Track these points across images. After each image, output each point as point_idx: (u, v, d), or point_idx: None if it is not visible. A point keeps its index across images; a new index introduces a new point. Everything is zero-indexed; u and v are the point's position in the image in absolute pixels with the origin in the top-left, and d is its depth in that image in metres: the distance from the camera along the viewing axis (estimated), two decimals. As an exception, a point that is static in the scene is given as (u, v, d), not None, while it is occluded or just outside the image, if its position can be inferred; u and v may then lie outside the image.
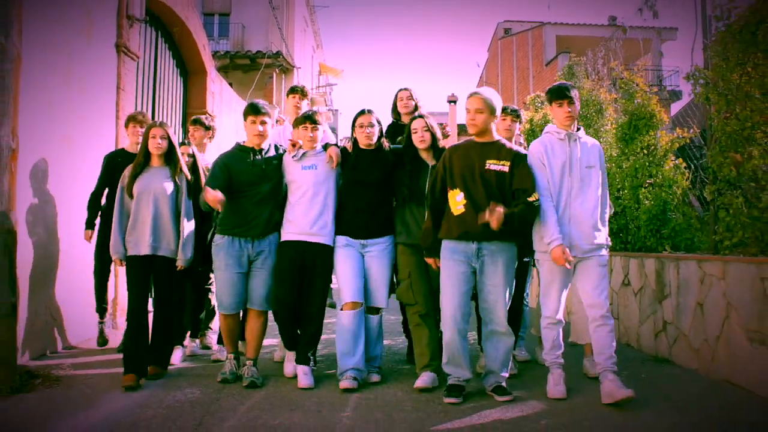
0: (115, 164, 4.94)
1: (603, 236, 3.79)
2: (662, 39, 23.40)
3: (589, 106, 6.81)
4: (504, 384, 3.80)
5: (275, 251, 4.17)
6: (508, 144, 3.90)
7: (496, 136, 3.89)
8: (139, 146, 4.37)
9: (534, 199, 3.65)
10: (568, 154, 3.77)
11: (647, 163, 5.55)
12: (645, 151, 5.65)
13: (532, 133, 7.39)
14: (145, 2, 6.90)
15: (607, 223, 3.86)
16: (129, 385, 3.87)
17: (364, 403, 3.62)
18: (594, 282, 3.70)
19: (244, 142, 4.30)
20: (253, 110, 4.18)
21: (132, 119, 5.18)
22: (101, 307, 5.20)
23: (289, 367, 4.30)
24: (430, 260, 3.93)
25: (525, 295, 4.70)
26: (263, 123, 4.17)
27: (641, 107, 5.61)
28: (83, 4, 5.52)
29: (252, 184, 4.13)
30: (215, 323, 5.22)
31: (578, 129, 3.88)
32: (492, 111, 3.77)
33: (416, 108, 4.82)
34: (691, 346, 4.51)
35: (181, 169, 4.35)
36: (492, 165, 3.75)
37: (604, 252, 3.78)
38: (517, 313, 4.40)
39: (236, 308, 4.17)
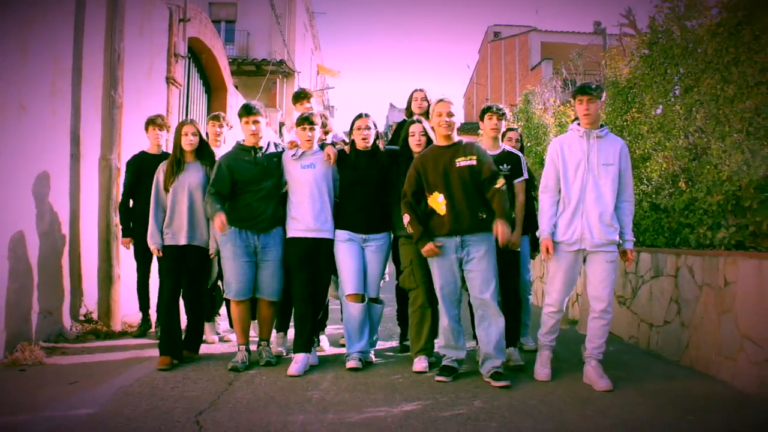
0: (140, 167, 5.29)
1: (615, 233, 3.88)
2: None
3: (539, 128, 8.62)
4: (501, 369, 3.91)
5: (280, 243, 4.39)
6: (468, 141, 4.23)
7: (456, 137, 4.12)
8: (173, 144, 4.58)
9: (500, 185, 3.94)
10: (585, 151, 3.89)
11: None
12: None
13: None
14: (187, 42, 8.64)
15: (628, 223, 3.93)
16: (163, 368, 4.24)
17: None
18: (599, 276, 3.88)
19: (243, 141, 4.46)
20: (246, 111, 4.36)
21: (151, 122, 5.50)
22: (144, 306, 5.60)
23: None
24: (427, 247, 3.97)
25: (528, 285, 5.05)
26: (256, 122, 4.33)
27: (569, 135, 7.41)
28: (149, 50, 7.26)
29: (255, 182, 4.31)
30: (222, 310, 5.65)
31: (601, 127, 3.98)
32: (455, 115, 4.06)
33: (429, 109, 4.75)
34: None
35: (213, 163, 4.55)
36: (462, 162, 3.97)
37: (614, 249, 3.90)
38: (514, 303, 4.49)
39: (245, 294, 4.32)
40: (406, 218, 4.08)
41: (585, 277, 4.07)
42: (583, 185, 3.87)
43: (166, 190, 4.47)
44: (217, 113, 5.84)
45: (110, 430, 3.03)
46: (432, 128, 4.28)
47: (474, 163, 3.98)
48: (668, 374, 4.26)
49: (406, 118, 5.12)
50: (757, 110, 4.04)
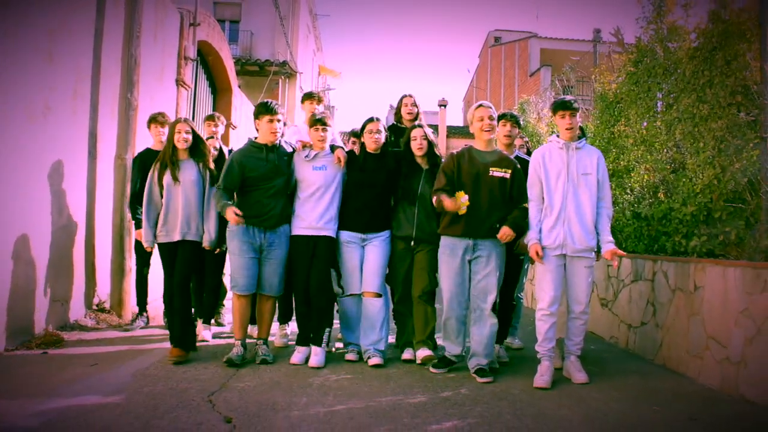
0: (145, 164, 5.32)
1: (594, 239, 4.08)
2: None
3: (533, 137, 8.97)
4: (485, 367, 4.15)
5: (286, 242, 4.52)
6: (506, 153, 4.42)
7: (496, 146, 4.39)
8: (167, 142, 4.64)
9: (526, 204, 4.22)
10: (565, 162, 4.07)
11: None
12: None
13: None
14: (196, 45, 8.97)
15: (605, 227, 4.08)
16: (175, 359, 4.37)
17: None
18: (578, 280, 4.09)
19: (256, 138, 4.56)
20: (268, 110, 4.44)
21: (153, 120, 5.65)
22: (142, 301, 5.80)
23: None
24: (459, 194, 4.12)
25: (520, 290, 5.13)
26: (279, 121, 4.46)
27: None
28: (162, 54, 7.58)
29: (266, 179, 4.42)
30: (227, 301, 5.88)
31: (580, 138, 4.17)
32: (497, 121, 4.28)
33: (417, 114, 5.14)
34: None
35: (207, 161, 4.67)
36: (495, 172, 4.18)
37: (592, 254, 4.11)
38: (508, 306, 4.80)
39: (249, 289, 4.45)
40: (436, 201, 4.20)
41: (566, 280, 4.25)
42: (564, 194, 4.07)
43: (160, 185, 4.54)
44: (211, 114, 6.01)
45: (133, 404, 3.37)
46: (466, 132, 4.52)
47: (507, 176, 4.20)
48: (642, 371, 4.60)
49: (395, 123, 5.31)
50: (728, 129, 4.40)
